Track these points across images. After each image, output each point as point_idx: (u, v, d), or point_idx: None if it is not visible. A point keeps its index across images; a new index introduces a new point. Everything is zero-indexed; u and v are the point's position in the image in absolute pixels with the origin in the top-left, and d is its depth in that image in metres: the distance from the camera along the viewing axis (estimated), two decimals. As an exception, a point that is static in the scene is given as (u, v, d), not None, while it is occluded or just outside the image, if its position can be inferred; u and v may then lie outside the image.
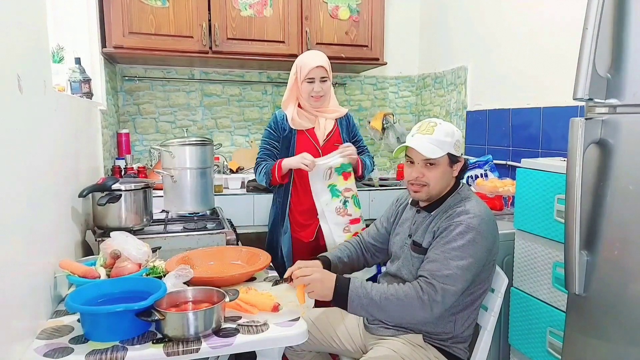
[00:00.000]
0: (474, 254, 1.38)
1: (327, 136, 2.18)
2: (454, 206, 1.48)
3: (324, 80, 2.10)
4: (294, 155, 2.11)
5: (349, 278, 1.41)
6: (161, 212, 2.24)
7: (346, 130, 2.24)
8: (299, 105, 2.16)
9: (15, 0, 1.14)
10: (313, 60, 2.09)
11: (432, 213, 1.53)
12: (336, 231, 2.08)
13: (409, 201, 1.65)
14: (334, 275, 1.40)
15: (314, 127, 2.17)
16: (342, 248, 1.75)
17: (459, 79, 2.94)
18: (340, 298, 1.37)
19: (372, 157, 2.30)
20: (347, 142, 2.16)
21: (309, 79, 2.08)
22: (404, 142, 1.51)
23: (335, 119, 2.21)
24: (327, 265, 1.62)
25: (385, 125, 3.25)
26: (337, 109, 2.22)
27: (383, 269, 1.73)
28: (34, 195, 1.22)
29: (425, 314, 1.36)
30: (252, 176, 2.73)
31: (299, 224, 2.17)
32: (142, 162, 3.00)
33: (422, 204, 1.57)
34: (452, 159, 1.49)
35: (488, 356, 1.51)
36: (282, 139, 2.16)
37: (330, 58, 2.86)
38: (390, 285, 1.39)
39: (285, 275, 1.45)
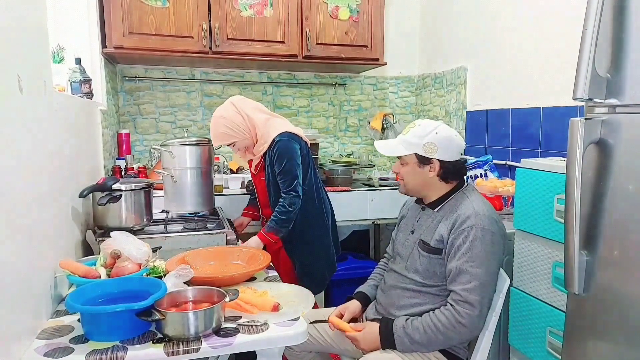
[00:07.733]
0: (494, 255, 1.43)
1: (257, 169, 2.22)
2: (459, 206, 1.49)
3: (232, 145, 2.12)
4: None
5: (392, 324, 1.47)
6: (161, 212, 2.24)
7: (269, 162, 2.12)
8: None
9: (15, 1, 1.14)
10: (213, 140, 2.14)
11: (435, 210, 1.54)
12: None
13: (414, 199, 1.70)
14: (377, 330, 1.49)
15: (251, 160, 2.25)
16: (376, 277, 1.78)
17: (458, 79, 2.94)
18: (388, 345, 1.47)
19: (290, 195, 2.03)
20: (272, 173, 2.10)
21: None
22: None
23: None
24: (365, 300, 1.70)
25: (385, 126, 3.25)
26: (259, 148, 2.11)
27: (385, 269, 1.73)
28: (34, 195, 1.22)
29: (471, 332, 1.42)
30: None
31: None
32: (142, 162, 3.00)
33: (425, 201, 1.61)
34: (421, 159, 1.51)
35: (488, 356, 1.51)
36: None
37: (330, 58, 2.92)
38: (427, 320, 1.43)
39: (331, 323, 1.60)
